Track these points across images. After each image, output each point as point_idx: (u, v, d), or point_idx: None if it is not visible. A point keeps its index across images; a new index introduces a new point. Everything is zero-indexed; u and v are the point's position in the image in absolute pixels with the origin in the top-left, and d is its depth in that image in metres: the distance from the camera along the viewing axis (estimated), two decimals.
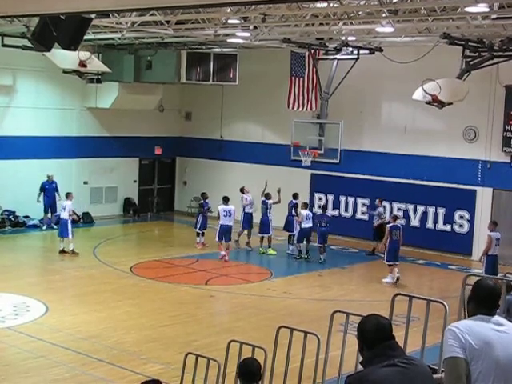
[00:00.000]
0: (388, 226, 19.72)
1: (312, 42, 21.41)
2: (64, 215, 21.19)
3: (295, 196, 23.01)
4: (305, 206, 22.17)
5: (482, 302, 4.91)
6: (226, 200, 21.86)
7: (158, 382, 5.85)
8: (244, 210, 23.25)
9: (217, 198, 23.19)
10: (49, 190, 24.87)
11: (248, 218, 23.23)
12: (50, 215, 24.99)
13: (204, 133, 29.02)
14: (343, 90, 23.30)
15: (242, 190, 23.49)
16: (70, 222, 21.28)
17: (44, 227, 24.86)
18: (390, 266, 19.28)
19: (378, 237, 22.04)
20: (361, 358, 4.47)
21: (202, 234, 23.10)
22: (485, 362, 4.77)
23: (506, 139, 21.82)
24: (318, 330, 8.61)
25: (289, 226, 22.65)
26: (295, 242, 22.09)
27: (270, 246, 22.62)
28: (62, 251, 21.11)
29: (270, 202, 22.78)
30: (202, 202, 23.44)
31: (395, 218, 20.23)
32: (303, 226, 21.63)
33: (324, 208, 23.01)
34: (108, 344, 13.60)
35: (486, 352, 4.77)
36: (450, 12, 15.87)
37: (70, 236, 21.11)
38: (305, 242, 21.86)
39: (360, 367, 4.55)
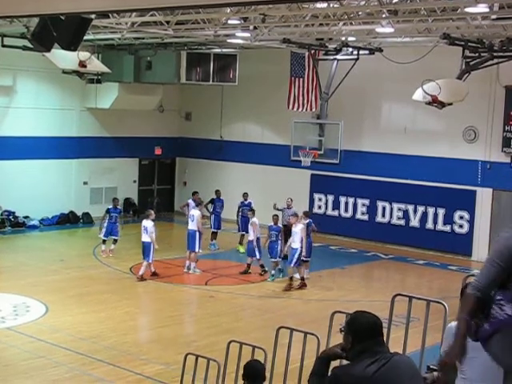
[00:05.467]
0: (306, 222, 19.07)
1: (312, 42, 21.41)
2: (192, 225, 19.26)
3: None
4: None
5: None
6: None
7: None
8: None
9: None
10: None
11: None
12: None
13: (204, 133, 29.01)
14: (343, 91, 23.30)
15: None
16: (198, 234, 19.16)
17: None
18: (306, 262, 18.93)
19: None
20: None
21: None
22: (477, 361, 4.79)
23: (505, 140, 21.81)
24: (318, 330, 8.59)
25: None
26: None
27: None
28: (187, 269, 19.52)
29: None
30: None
31: (307, 214, 19.86)
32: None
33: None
34: (108, 344, 13.60)
35: (480, 351, 4.76)
36: (450, 12, 15.88)
37: (197, 249, 19.20)
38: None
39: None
